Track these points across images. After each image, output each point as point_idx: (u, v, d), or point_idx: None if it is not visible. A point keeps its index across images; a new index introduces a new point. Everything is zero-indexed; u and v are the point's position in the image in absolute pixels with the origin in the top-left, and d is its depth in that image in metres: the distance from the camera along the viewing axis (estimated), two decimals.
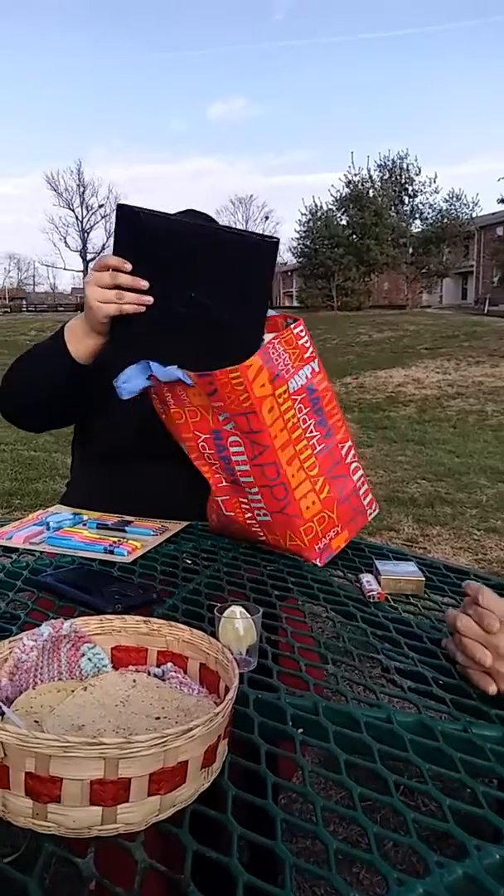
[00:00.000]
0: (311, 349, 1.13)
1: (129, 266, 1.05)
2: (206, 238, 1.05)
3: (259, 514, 1.15)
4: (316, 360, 1.14)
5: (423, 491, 4.74)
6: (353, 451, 1.20)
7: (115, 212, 1.06)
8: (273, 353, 1.08)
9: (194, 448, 1.18)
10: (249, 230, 1.12)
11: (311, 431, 1.13)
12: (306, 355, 1.12)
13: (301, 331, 1.12)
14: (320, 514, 1.14)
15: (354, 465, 1.20)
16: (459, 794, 0.61)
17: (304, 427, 1.12)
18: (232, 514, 1.20)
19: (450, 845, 0.56)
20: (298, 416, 1.11)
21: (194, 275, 1.05)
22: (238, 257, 1.03)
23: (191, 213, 1.44)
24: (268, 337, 1.09)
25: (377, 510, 1.25)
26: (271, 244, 1.02)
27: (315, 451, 1.13)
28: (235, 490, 1.17)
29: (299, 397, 1.11)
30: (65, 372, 1.20)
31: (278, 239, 1.03)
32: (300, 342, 1.11)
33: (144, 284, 1.05)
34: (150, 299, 1.05)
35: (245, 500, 1.17)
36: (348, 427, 1.20)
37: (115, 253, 1.05)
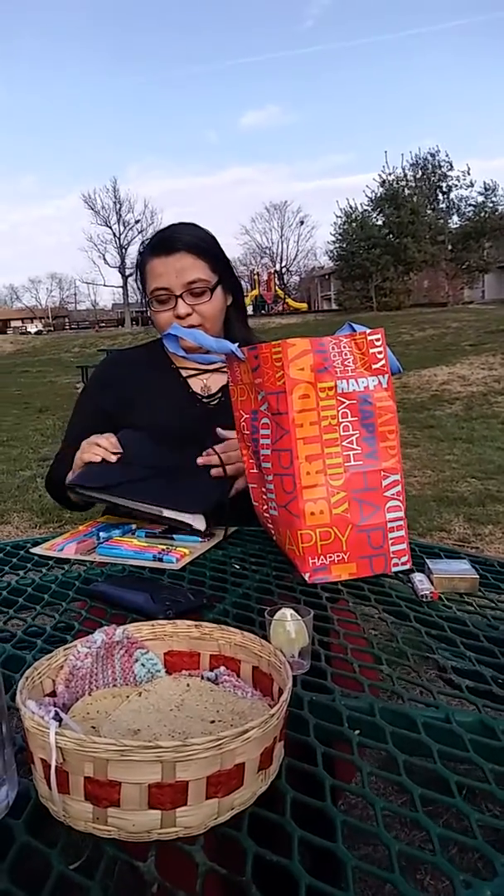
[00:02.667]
0: (382, 362, 1.08)
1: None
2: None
3: (271, 506, 1.13)
4: (385, 377, 1.09)
5: (474, 489, 4.64)
6: (398, 489, 1.09)
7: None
8: (331, 347, 1.07)
9: (239, 429, 1.20)
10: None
11: (352, 443, 1.07)
12: (375, 366, 1.08)
13: (377, 339, 1.08)
14: (325, 528, 1.06)
15: (394, 503, 1.09)
16: None
17: (342, 434, 1.07)
18: (257, 504, 1.20)
19: None
20: (340, 419, 1.07)
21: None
22: None
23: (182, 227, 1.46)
24: (347, 331, 1.11)
25: (408, 566, 1.11)
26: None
27: (347, 464, 1.07)
28: (260, 478, 1.17)
29: (347, 401, 1.07)
30: None
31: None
32: (371, 350, 1.08)
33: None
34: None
35: (264, 491, 1.16)
36: (401, 461, 1.11)
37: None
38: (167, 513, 1.26)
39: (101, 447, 1.30)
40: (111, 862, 0.51)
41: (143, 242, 1.48)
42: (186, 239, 1.40)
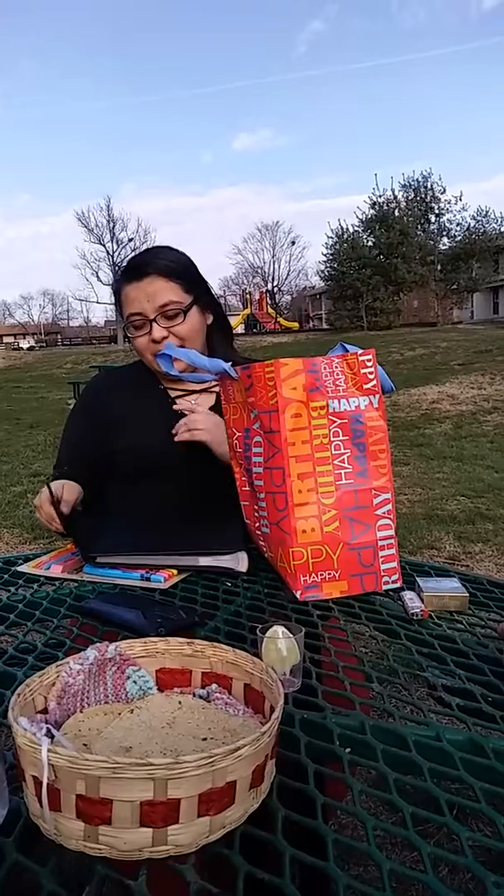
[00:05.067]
0: (373, 382, 1.10)
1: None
2: None
3: (263, 524, 1.14)
4: (377, 397, 1.10)
5: (463, 508, 4.66)
6: (388, 507, 1.10)
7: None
8: (323, 367, 1.09)
9: (232, 447, 1.21)
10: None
11: (343, 462, 1.08)
12: (366, 386, 1.09)
13: (368, 360, 1.10)
14: (317, 546, 1.06)
15: (385, 521, 1.09)
16: None
17: (334, 452, 1.08)
18: (249, 521, 1.20)
19: None
20: (332, 438, 1.08)
21: None
22: None
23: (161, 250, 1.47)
24: (339, 352, 1.12)
25: (399, 584, 1.11)
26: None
27: (338, 482, 1.07)
28: (252, 496, 1.17)
29: (339, 420, 1.08)
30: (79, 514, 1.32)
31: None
32: (363, 371, 1.09)
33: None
34: None
35: (256, 508, 1.16)
36: (392, 480, 1.11)
37: None
38: (203, 561, 1.23)
39: (45, 511, 1.27)
40: (102, 881, 0.51)
41: (118, 269, 1.50)
42: (157, 263, 1.40)
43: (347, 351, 1.12)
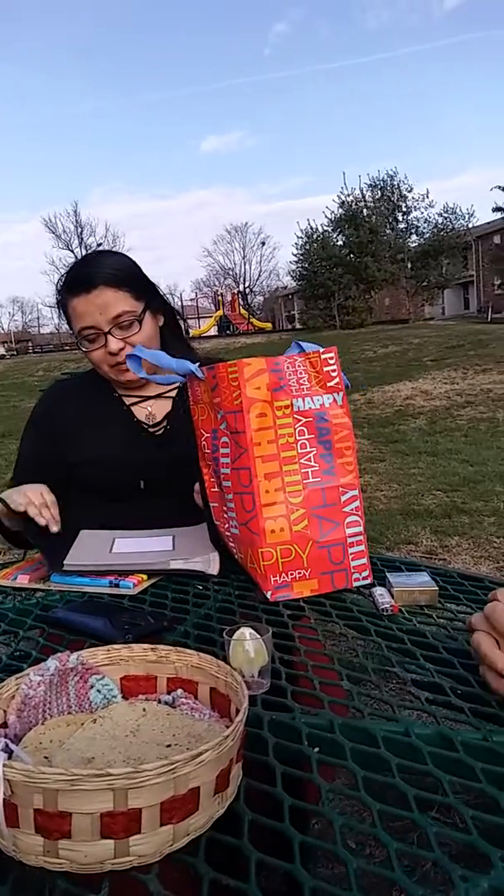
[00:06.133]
0: (336, 380, 1.10)
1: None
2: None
3: (232, 525, 1.13)
4: (340, 395, 1.10)
5: (439, 502, 4.70)
6: (356, 504, 1.10)
7: None
8: (286, 366, 1.08)
9: (200, 448, 1.20)
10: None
11: (309, 460, 1.08)
12: (329, 384, 1.10)
13: (330, 358, 1.10)
14: (286, 546, 1.06)
15: (353, 518, 1.10)
16: (484, 805, 0.60)
17: (300, 451, 1.08)
18: (219, 523, 1.20)
19: (477, 858, 0.54)
20: (297, 437, 1.08)
21: None
22: None
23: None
24: (295, 350, 1.12)
25: (369, 580, 1.11)
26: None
27: (305, 481, 1.07)
28: (221, 497, 1.17)
29: (304, 419, 1.08)
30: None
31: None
32: (325, 369, 1.10)
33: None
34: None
35: (225, 510, 1.15)
36: (358, 476, 1.12)
37: None
38: (174, 564, 1.21)
39: (36, 507, 1.26)
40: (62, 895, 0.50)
41: (59, 279, 1.42)
42: (103, 273, 1.34)
43: (304, 350, 1.12)
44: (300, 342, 1.14)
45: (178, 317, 1.54)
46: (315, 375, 1.10)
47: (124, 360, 1.35)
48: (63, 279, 1.40)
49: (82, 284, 1.35)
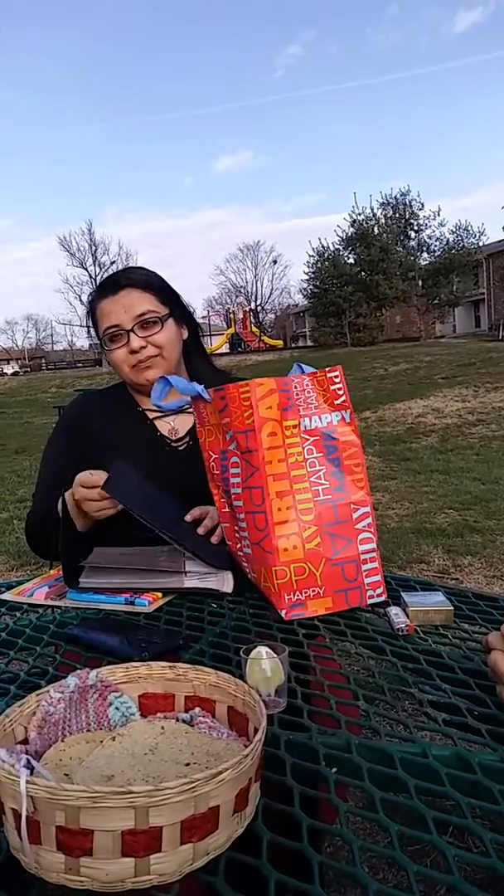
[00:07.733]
0: (343, 398, 1.12)
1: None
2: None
3: (244, 545, 1.13)
4: (348, 412, 1.12)
5: (452, 521, 4.68)
6: (368, 520, 1.10)
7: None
8: (295, 386, 1.10)
9: (209, 469, 1.21)
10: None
11: (319, 478, 1.09)
12: (336, 402, 1.11)
13: (336, 376, 1.12)
14: (299, 564, 1.06)
15: (366, 535, 1.10)
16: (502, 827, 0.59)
17: (309, 469, 1.09)
18: (230, 543, 1.20)
19: (496, 882, 0.54)
20: (307, 455, 1.09)
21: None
22: None
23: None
24: (297, 372, 1.13)
25: (384, 597, 1.11)
26: None
27: (316, 499, 1.08)
28: (232, 517, 1.17)
29: (312, 438, 1.10)
30: (76, 538, 1.30)
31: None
32: (332, 387, 1.11)
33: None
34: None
35: (237, 529, 1.16)
36: (370, 493, 1.12)
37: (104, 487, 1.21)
38: (188, 582, 1.22)
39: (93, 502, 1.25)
40: None
41: (90, 292, 1.50)
42: (131, 276, 1.43)
43: (304, 371, 1.13)
44: (301, 364, 1.17)
45: (201, 334, 1.57)
46: (322, 394, 1.12)
47: (145, 359, 1.40)
48: (92, 291, 1.49)
49: (111, 286, 1.42)
